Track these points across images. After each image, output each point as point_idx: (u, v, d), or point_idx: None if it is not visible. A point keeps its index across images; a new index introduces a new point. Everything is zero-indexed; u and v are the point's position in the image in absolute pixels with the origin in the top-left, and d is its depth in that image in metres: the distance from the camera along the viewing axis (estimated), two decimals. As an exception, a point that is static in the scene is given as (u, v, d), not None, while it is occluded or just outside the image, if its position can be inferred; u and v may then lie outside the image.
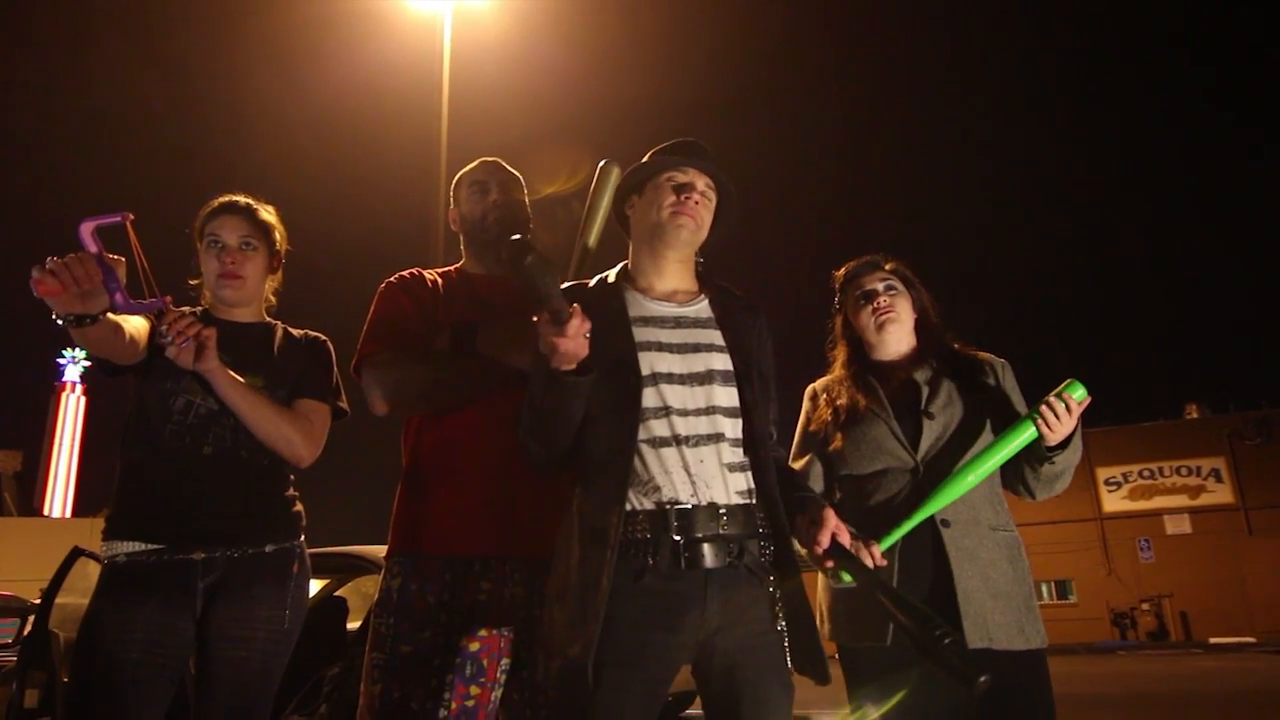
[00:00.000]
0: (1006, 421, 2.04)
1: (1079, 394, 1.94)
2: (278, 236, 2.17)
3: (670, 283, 1.74)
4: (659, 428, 1.58)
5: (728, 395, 1.63)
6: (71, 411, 36.40)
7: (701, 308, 1.73)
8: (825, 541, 1.58)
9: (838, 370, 2.22)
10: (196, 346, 1.81)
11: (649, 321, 1.67)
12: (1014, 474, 2.08)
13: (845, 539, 1.61)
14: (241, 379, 1.95)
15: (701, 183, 1.74)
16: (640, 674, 1.48)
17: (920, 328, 2.19)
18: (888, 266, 2.22)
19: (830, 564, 1.63)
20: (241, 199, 2.12)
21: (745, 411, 1.63)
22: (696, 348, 1.66)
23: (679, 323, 1.68)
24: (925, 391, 2.09)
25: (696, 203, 1.71)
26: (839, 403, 2.14)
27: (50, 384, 36.92)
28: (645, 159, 1.79)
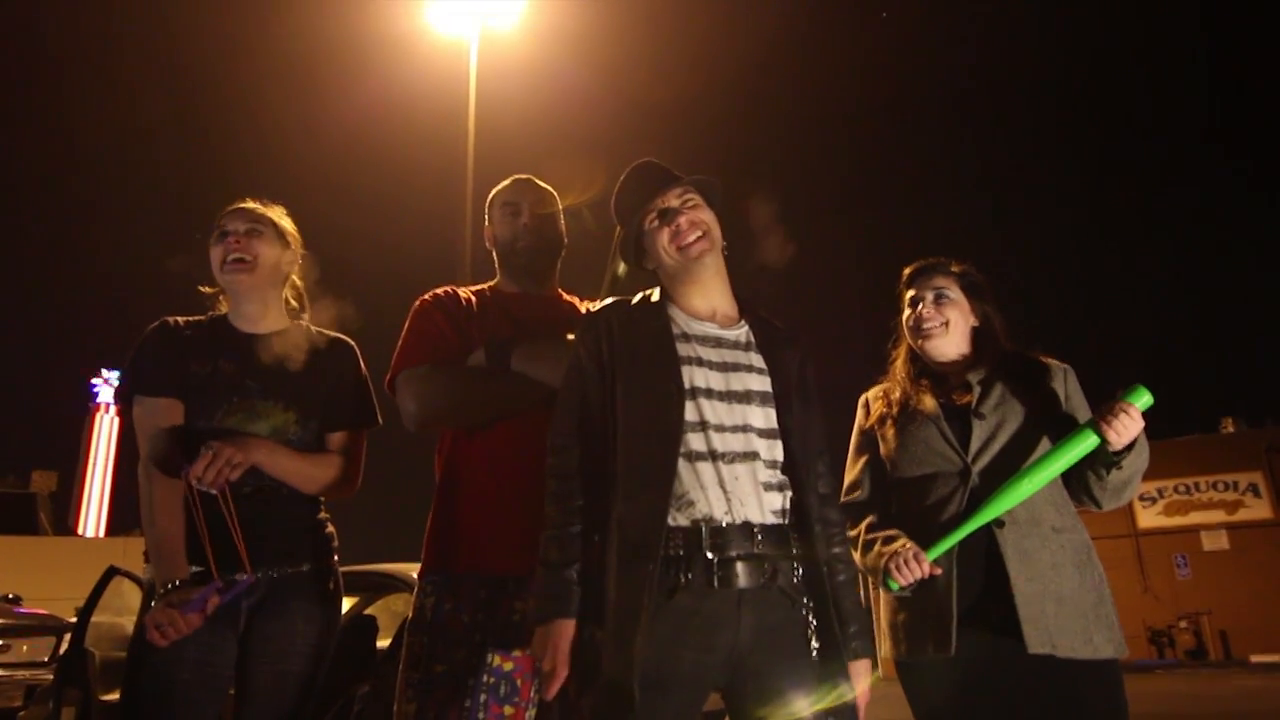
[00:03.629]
0: (1065, 425, 1.98)
1: (1144, 400, 1.89)
2: (287, 228, 2.17)
3: (711, 300, 1.74)
4: (696, 441, 1.57)
5: (764, 416, 1.62)
6: (105, 433, 36.90)
7: (742, 333, 1.72)
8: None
9: (896, 369, 2.19)
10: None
11: (690, 338, 1.67)
12: (1079, 483, 2.01)
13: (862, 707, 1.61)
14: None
15: (674, 199, 1.73)
16: (674, 695, 1.47)
17: (978, 336, 2.14)
18: (954, 270, 2.18)
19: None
20: (250, 200, 2.15)
21: (784, 434, 1.62)
22: (736, 367, 1.65)
23: (720, 343, 1.68)
24: (977, 391, 2.05)
25: (687, 219, 1.70)
26: (893, 396, 2.12)
27: (85, 405, 37.50)
28: (615, 217, 1.80)
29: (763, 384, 1.65)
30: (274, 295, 2.13)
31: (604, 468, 1.60)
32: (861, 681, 1.61)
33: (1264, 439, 24.40)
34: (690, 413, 1.58)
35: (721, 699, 1.58)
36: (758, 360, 1.67)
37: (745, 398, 1.62)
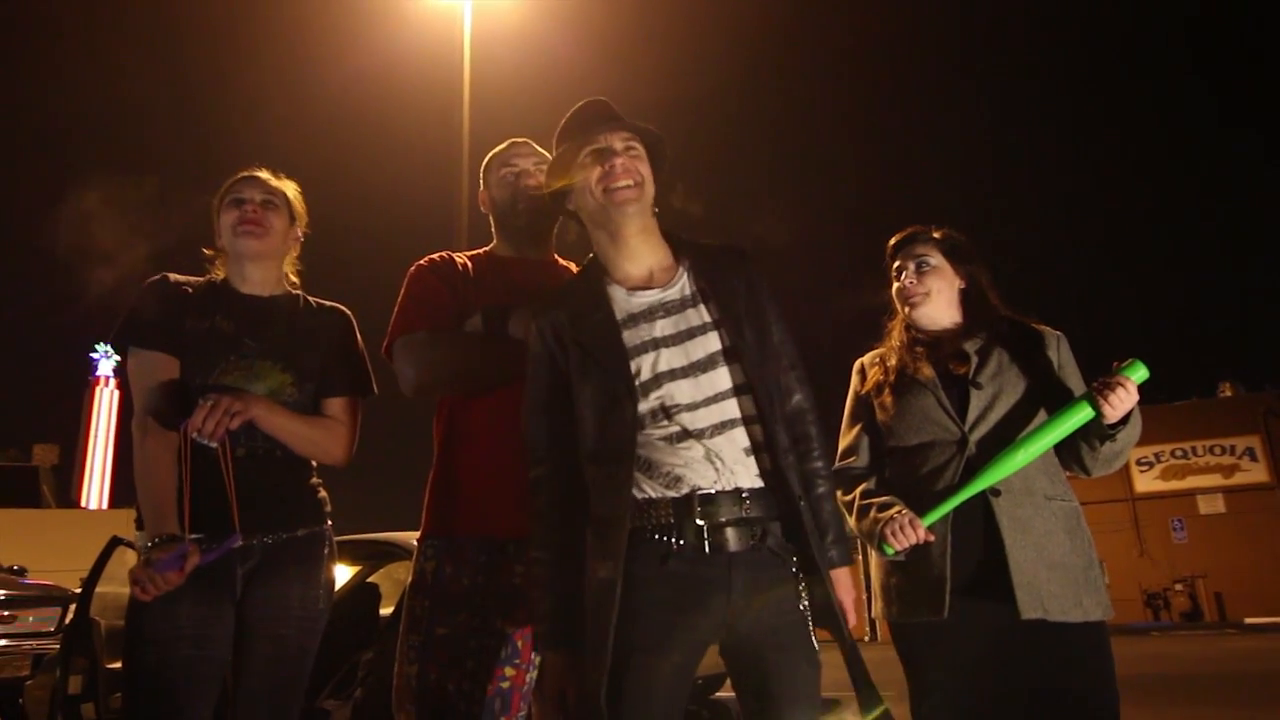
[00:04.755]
0: (1059, 394, 2.00)
1: (1140, 374, 1.91)
2: (297, 205, 2.18)
3: (644, 262, 1.69)
4: (673, 425, 1.57)
5: (731, 373, 1.60)
6: (106, 406, 36.95)
7: (683, 284, 1.67)
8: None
9: (892, 339, 2.20)
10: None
11: (638, 319, 1.63)
12: (1070, 452, 2.04)
13: (850, 613, 1.62)
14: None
15: (618, 141, 1.67)
16: (668, 658, 1.49)
17: (967, 299, 2.15)
18: (936, 235, 2.18)
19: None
20: (264, 170, 2.15)
21: (751, 388, 1.59)
22: (690, 333, 1.62)
23: (667, 309, 1.64)
24: (974, 361, 2.06)
25: (624, 164, 1.65)
26: (889, 363, 2.13)
27: (84, 379, 37.52)
28: (555, 146, 1.75)
29: (721, 340, 1.61)
30: (276, 266, 2.15)
31: (578, 476, 1.62)
32: (843, 589, 1.62)
33: (1262, 403, 24.50)
34: (661, 399, 1.57)
35: (720, 657, 1.60)
36: (708, 314, 1.64)
37: (710, 363, 1.60)
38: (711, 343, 1.61)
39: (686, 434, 1.56)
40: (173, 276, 2.07)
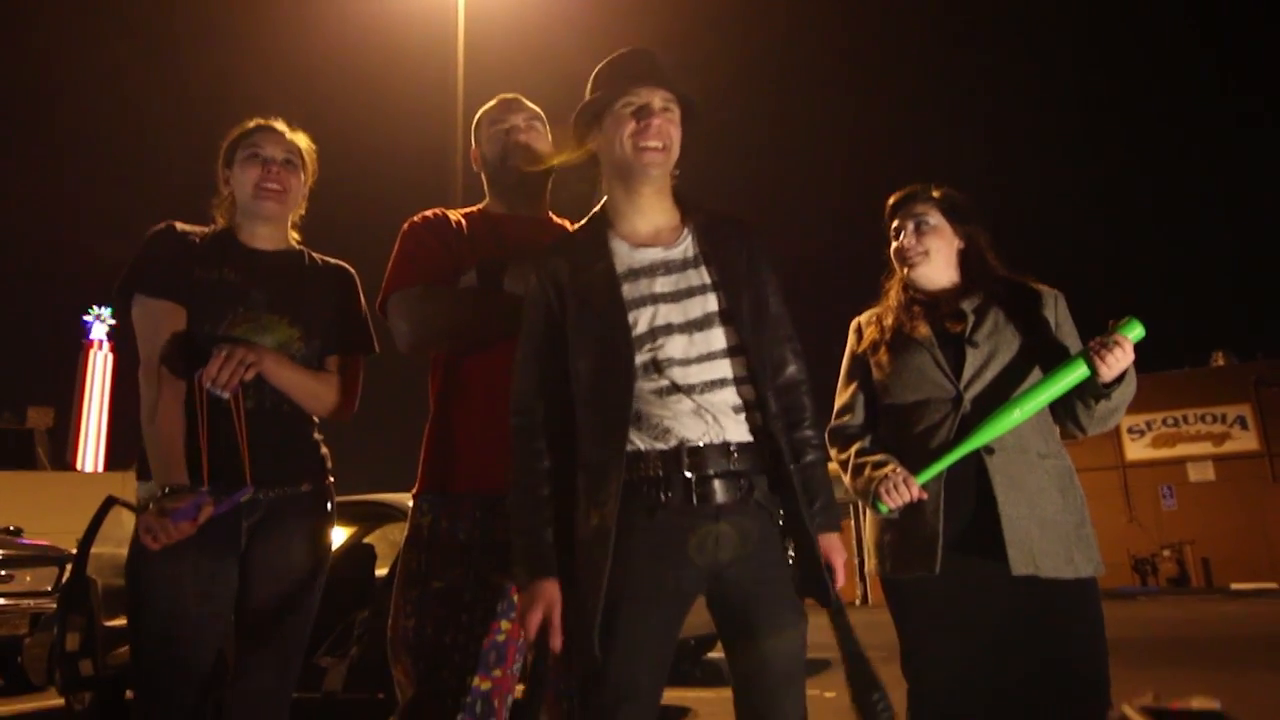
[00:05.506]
0: (1056, 353, 2.00)
1: (1136, 333, 1.91)
2: (310, 163, 2.16)
3: (652, 220, 1.70)
4: (664, 379, 1.58)
5: (726, 335, 1.61)
6: (100, 368, 36.91)
7: (687, 246, 1.68)
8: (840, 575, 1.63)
9: (890, 298, 2.20)
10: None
11: (638, 274, 1.64)
12: (1065, 411, 2.04)
13: (839, 573, 1.64)
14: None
15: (658, 100, 1.66)
16: (657, 607, 1.52)
17: (965, 259, 2.15)
18: (935, 194, 2.17)
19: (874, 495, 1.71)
20: (280, 122, 2.12)
21: (744, 350, 1.61)
22: (690, 292, 1.63)
23: (669, 268, 1.65)
24: (971, 320, 2.06)
25: (659, 126, 1.64)
26: (885, 322, 2.13)
27: (78, 342, 37.43)
28: (590, 87, 1.73)
29: (719, 302, 1.63)
30: (285, 223, 2.14)
31: (567, 426, 1.62)
32: (833, 553, 1.64)
33: (1253, 372, 24.60)
34: (655, 352, 1.58)
35: (708, 610, 1.62)
36: (708, 276, 1.65)
37: (706, 322, 1.61)
38: (710, 303, 1.62)
39: (677, 388, 1.57)
40: (179, 225, 2.04)
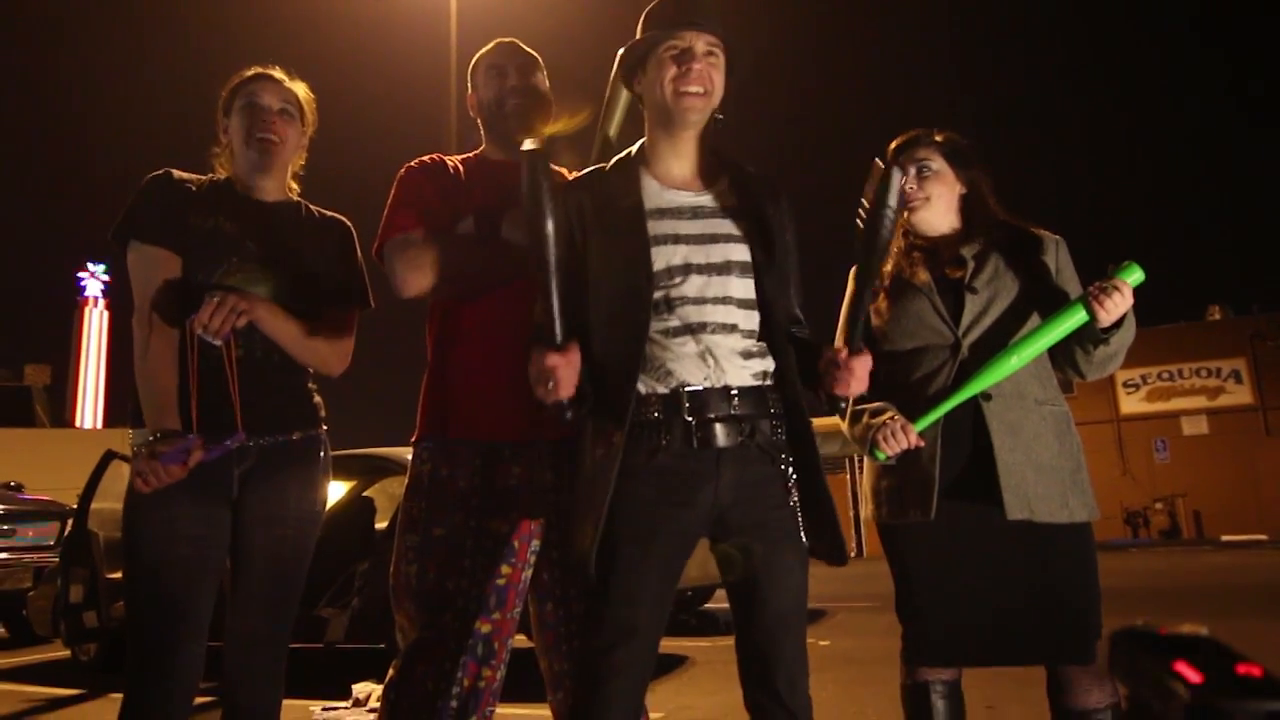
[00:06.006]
0: (1056, 299, 2.00)
1: (1135, 277, 1.90)
2: (308, 112, 2.14)
3: (687, 164, 1.70)
4: (674, 318, 1.58)
5: (744, 287, 1.62)
6: (95, 326, 36.75)
7: (719, 193, 1.68)
8: (844, 390, 1.58)
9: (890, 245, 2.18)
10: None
11: (665, 213, 1.64)
12: (1064, 356, 2.04)
13: (855, 381, 1.59)
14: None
15: (701, 44, 1.64)
16: (656, 549, 1.54)
17: (967, 204, 2.13)
18: (938, 138, 2.14)
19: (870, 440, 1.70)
20: (279, 70, 2.10)
21: (763, 304, 1.62)
22: (714, 238, 1.63)
23: (696, 213, 1.65)
24: (971, 266, 2.05)
25: (700, 70, 1.63)
26: (885, 269, 2.11)
27: (73, 300, 37.24)
28: (640, 28, 1.71)
29: (742, 253, 1.63)
30: (283, 173, 2.12)
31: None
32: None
33: (1249, 326, 24.64)
34: (669, 290, 1.58)
35: (711, 553, 1.63)
36: (736, 228, 1.65)
37: (725, 269, 1.61)
38: (732, 252, 1.63)
39: (686, 329, 1.58)
40: (176, 173, 2.03)
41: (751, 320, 1.62)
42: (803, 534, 1.60)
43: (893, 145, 2.19)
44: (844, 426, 2.09)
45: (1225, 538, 20.80)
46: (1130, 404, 25.28)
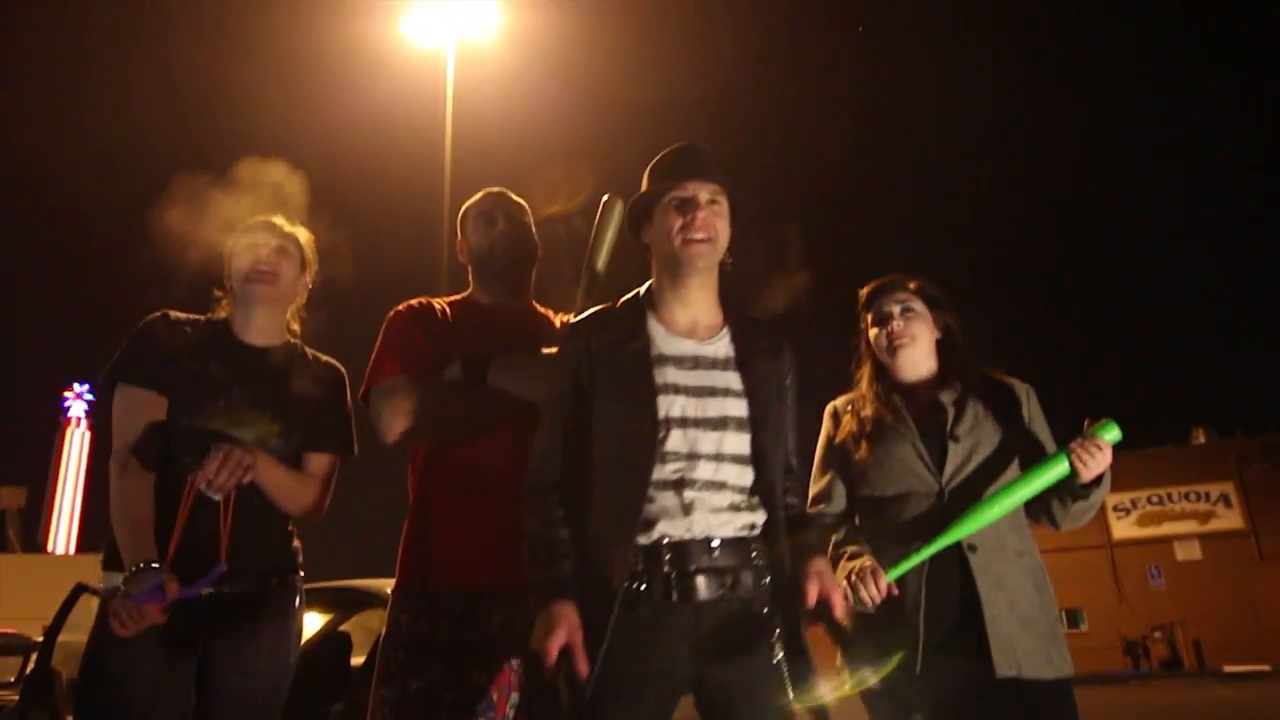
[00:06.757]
0: (1034, 450, 2.02)
1: (1113, 435, 1.94)
2: (308, 255, 2.18)
3: (692, 311, 1.71)
4: (666, 471, 1.57)
5: (739, 442, 1.61)
6: (76, 448, 36.41)
7: (722, 345, 1.69)
8: (812, 600, 1.57)
9: (863, 388, 2.19)
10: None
11: (667, 361, 1.65)
12: (1040, 506, 2.05)
13: (837, 606, 1.59)
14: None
15: (705, 193, 1.69)
16: (642, 706, 1.49)
17: (943, 349, 2.16)
18: (911, 286, 2.19)
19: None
20: (279, 217, 2.15)
21: (757, 458, 1.62)
22: (713, 391, 1.63)
23: (697, 363, 1.66)
24: (951, 413, 2.06)
25: (704, 218, 1.67)
26: (864, 414, 2.11)
27: (55, 421, 36.98)
28: (645, 181, 1.77)
29: (740, 408, 1.63)
30: (281, 313, 2.15)
31: (579, 491, 1.61)
32: (820, 575, 1.59)
33: (1234, 449, 24.75)
34: (663, 444, 1.58)
35: (695, 709, 1.58)
36: (736, 382, 1.65)
37: (722, 424, 1.61)
38: (729, 407, 1.63)
39: (674, 483, 1.57)
40: (173, 314, 2.06)
41: (744, 476, 1.61)
42: (789, 689, 1.55)
43: (867, 290, 2.23)
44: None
45: (1228, 668, 20.28)
46: (1122, 529, 25.11)
